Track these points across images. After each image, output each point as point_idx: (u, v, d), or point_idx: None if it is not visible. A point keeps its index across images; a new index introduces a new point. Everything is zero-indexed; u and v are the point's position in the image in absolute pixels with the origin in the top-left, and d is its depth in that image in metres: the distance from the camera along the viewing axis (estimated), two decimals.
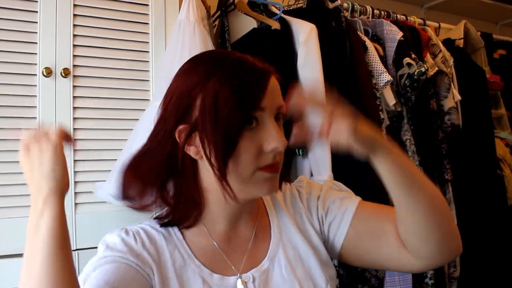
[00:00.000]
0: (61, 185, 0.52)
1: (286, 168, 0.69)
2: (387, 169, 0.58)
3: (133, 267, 0.58)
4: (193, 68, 0.60)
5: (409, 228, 0.61)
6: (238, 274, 0.63)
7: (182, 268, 0.61)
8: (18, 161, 1.07)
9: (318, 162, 1.25)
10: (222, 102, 0.55)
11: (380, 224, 0.66)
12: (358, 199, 0.70)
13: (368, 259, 0.68)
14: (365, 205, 0.69)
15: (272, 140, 0.58)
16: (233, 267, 0.64)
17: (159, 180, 0.62)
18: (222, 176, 0.58)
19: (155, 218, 0.66)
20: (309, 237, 0.69)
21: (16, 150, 1.04)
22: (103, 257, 0.59)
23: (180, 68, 0.63)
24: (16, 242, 1.05)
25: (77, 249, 1.08)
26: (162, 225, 0.65)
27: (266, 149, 0.58)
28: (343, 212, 0.68)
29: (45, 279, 0.47)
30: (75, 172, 1.11)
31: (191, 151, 0.60)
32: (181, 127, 0.59)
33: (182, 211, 0.63)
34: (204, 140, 0.58)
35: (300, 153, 1.25)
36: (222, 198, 0.61)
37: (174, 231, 0.65)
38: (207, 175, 0.61)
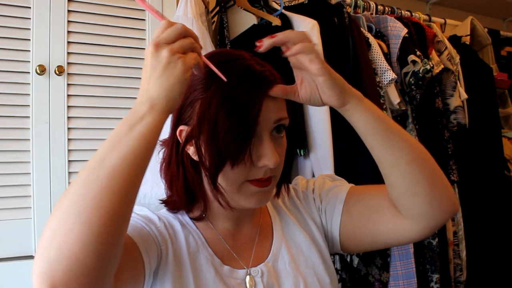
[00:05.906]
0: (171, 106, 0.50)
1: (286, 171, 0.69)
2: (361, 116, 0.59)
3: (151, 235, 0.60)
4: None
5: (396, 184, 0.62)
6: (247, 268, 0.65)
7: (195, 253, 0.63)
8: (12, 162, 1.01)
9: (320, 162, 1.22)
10: (220, 119, 0.56)
11: (370, 202, 0.68)
12: (349, 186, 0.72)
13: (368, 242, 0.69)
14: (355, 190, 0.71)
15: (264, 157, 0.58)
16: (241, 262, 0.65)
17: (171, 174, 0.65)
18: (214, 184, 0.60)
19: (162, 203, 0.67)
20: (311, 233, 0.71)
21: (10, 150, 1.03)
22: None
23: None
24: (10, 245, 1.03)
25: None
26: (172, 212, 0.67)
27: (257, 165, 0.59)
28: (335, 201, 0.70)
29: (117, 174, 0.45)
30: (69, 173, 1.09)
31: (191, 151, 0.62)
32: (181, 127, 0.61)
33: (188, 203, 0.65)
34: (201, 148, 0.59)
35: (302, 153, 1.23)
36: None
37: (187, 221, 0.66)
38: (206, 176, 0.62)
